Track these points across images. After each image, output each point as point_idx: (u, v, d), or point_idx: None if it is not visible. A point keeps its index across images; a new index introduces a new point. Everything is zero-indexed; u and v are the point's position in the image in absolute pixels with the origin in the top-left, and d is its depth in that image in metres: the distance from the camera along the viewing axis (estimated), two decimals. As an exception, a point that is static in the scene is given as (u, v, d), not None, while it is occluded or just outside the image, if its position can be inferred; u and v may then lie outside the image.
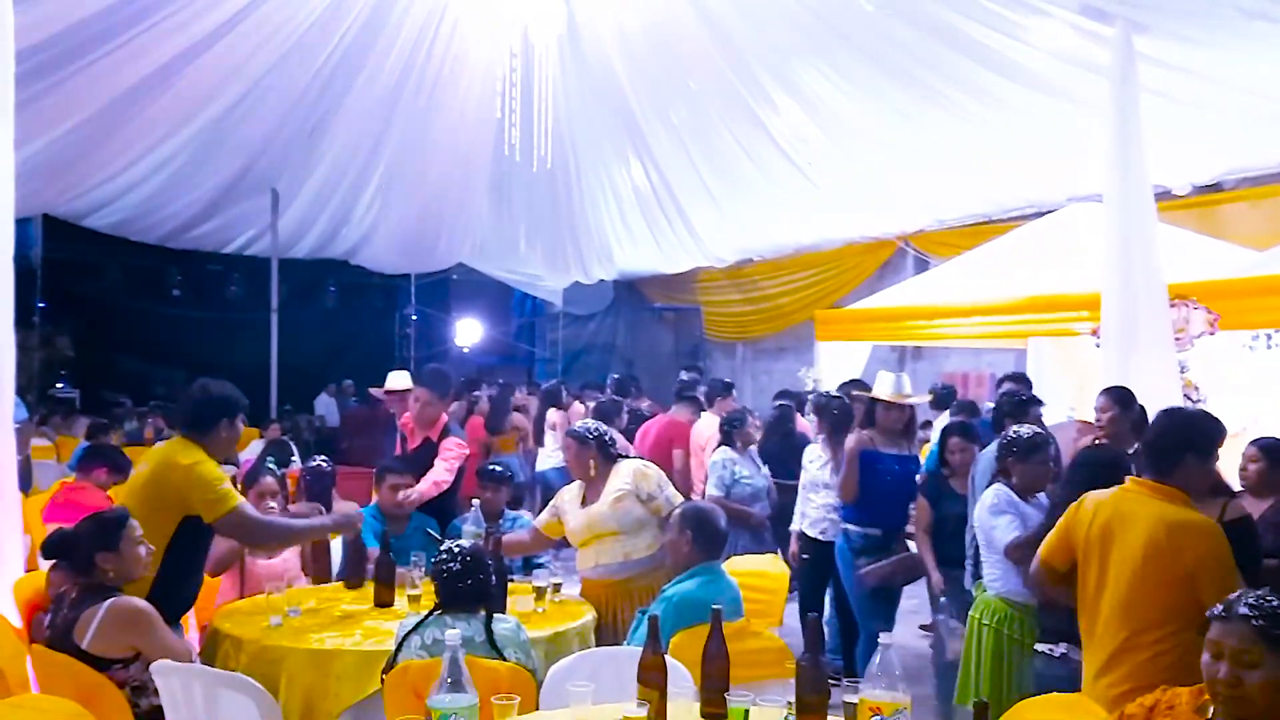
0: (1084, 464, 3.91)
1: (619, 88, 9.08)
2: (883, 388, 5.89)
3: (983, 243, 8.98)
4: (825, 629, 6.33)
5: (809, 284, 13.15)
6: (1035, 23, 6.32)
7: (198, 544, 3.97)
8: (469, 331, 17.47)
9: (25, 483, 6.90)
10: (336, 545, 5.39)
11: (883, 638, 2.60)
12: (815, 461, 6.19)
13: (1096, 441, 5.12)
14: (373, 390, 9.16)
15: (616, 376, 11.71)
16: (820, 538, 6.05)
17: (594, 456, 4.62)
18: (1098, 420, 5.15)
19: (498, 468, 5.64)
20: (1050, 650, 3.76)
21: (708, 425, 7.69)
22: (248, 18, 7.41)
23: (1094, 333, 6.22)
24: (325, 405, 15.02)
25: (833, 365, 9.09)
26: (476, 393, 11.07)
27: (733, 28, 7.65)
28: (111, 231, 12.13)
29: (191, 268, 15.29)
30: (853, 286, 12.14)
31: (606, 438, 4.72)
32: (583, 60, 8.72)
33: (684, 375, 10.66)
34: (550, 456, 9.77)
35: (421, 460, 5.59)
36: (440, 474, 5.49)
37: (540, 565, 4.79)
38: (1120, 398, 5.07)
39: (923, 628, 6.83)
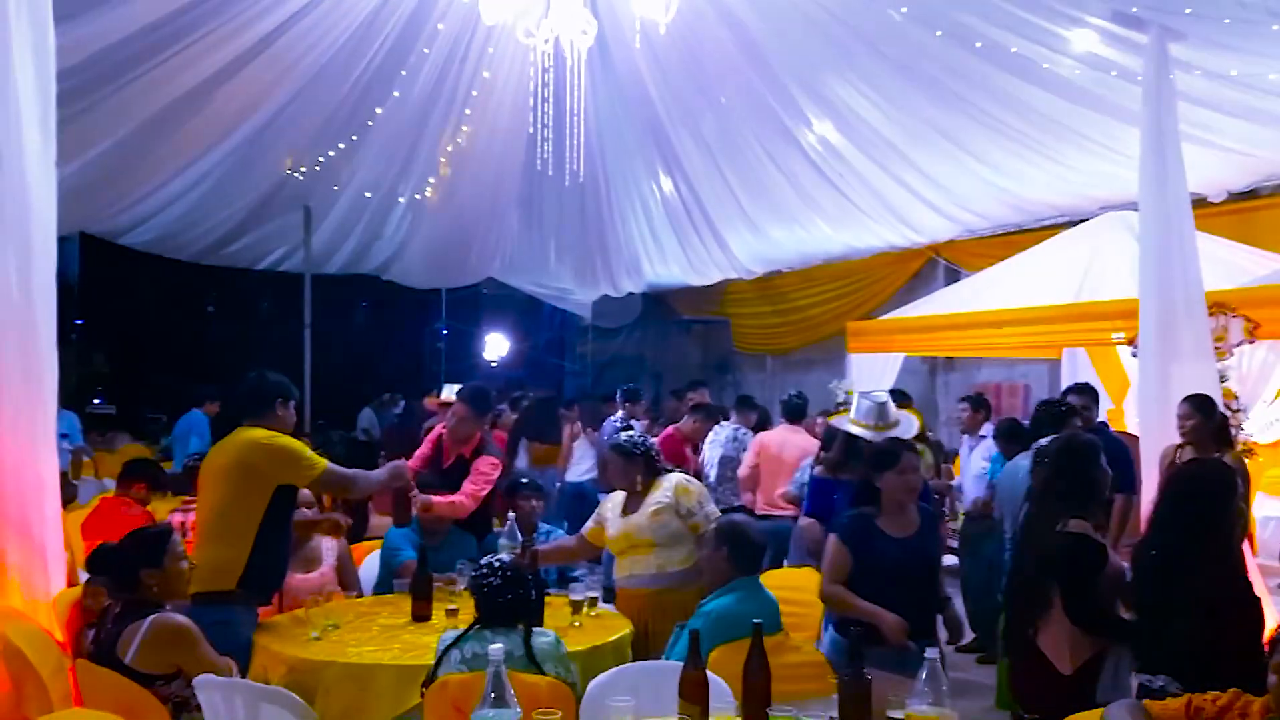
0: (1190, 477, 3.61)
1: (649, 101, 9.10)
2: (858, 417, 5.03)
3: (1015, 253, 8.93)
4: None
5: (839, 295, 13.10)
6: (1068, 31, 6.29)
7: (286, 517, 4.25)
8: (498, 345, 17.55)
9: (65, 498, 6.98)
10: (367, 565, 5.43)
11: (929, 651, 2.59)
12: None
13: (1180, 449, 5.07)
14: (427, 402, 9.20)
15: (626, 388, 11.29)
16: None
17: (641, 472, 4.64)
18: (1181, 428, 5.10)
19: (529, 479, 5.67)
20: (1149, 681, 3.29)
21: (805, 440, 7.71)
22: (280, 38, 7.48)
23: (1129, 342, 6.18)
24: (368, 419, 15.13)
25: (864, 377, 9.05)
26: (501, 406, 11.07)
27: (763, 40, 7.66)
28: (147, 249, 12.25)
29: (225, 284, 15.48)
30: (884, 298, 12.09)
31: (653, 451, 4.73)
32: (612, 74, 8.75)
33: (691, 395, 10.33)
34: (577, 468, 9.76)
35: (453, 476, 5.47)
36: (463, 499, 5.18)
37: (576, 579, 4.80)
38: (1201, 405, 5.08)
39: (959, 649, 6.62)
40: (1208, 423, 5.10)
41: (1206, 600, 3.25)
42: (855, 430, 5.06)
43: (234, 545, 4.03)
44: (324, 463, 4.22)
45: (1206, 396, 5.20)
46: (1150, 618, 3.40)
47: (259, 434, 4.17)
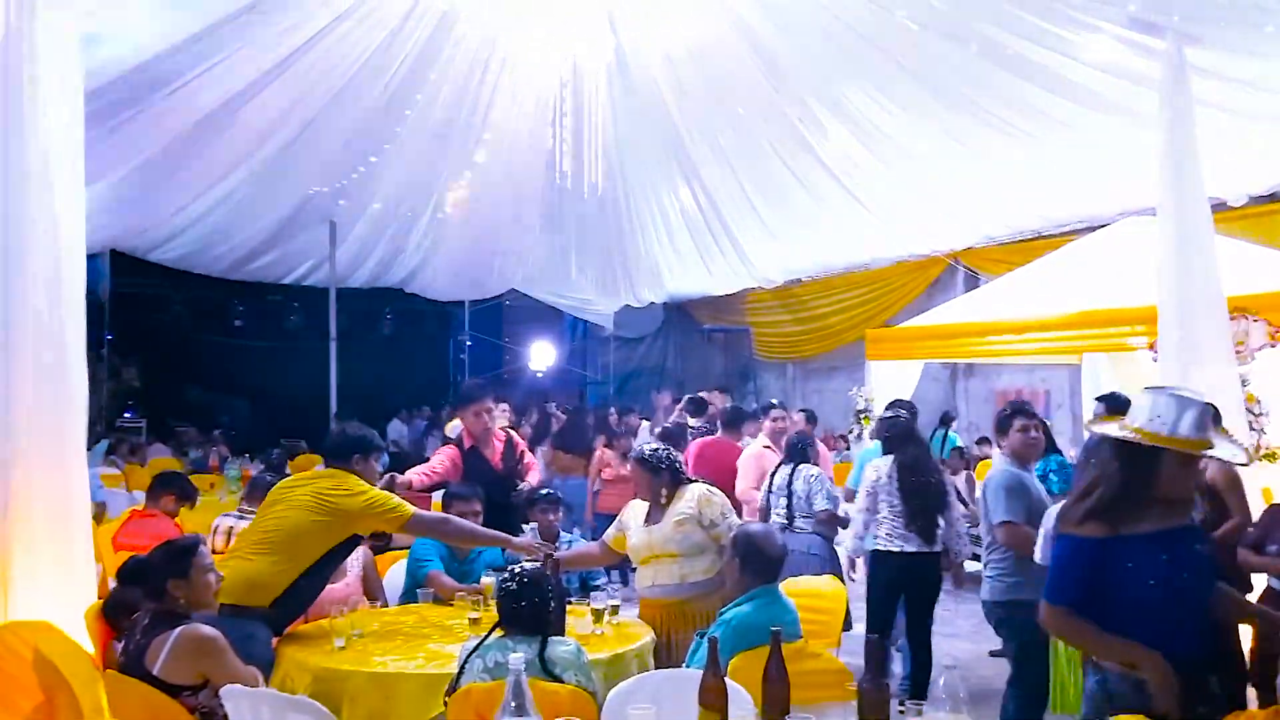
0: None
1: (667, 113, 9.14)
2: (1165, 430, 3.01)
3: (1034, 259, 8.90)
4: (897, 654, 6.24)
5: (859, 303, 13.09)
6: (1084, 38, 6.29)
7: (339, 560, 4.46)
8: (544, 355, 17.68)
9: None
10: (392, 575, 5.48)
11: (946, 659, 2.59)
12: (881, 470, 6.11)
13: None
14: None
15: (691, 397, 11.04)
16: (890, 548, 5.82)
17: (666, 485, 4.65)
18: None
19: (549, 491, 5.73)
20: None
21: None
22: (304, 56, 7.58)
23: (1150, 347, 6.14)
24: (398, 430, 15.23)
25: (884, 384, 9.04)
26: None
27: (779, 51, 7.69)
28: (176, 265, 12.44)
29: (253, 299, 15.67)
30: (903, 305, 12.08)
31: (677, 464, 4.75)
32: (631, 87, 8.79)
33: (693, 402, 10.34)
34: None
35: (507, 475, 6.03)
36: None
37: (598, 587, 4.82)
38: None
39: (993, 653, 6.69)
40: None
41: None
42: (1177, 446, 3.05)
43: (285, 569, 4.11)
44: (410, 508, 4.37)
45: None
46: None
47: (353, 485, 4.28)
